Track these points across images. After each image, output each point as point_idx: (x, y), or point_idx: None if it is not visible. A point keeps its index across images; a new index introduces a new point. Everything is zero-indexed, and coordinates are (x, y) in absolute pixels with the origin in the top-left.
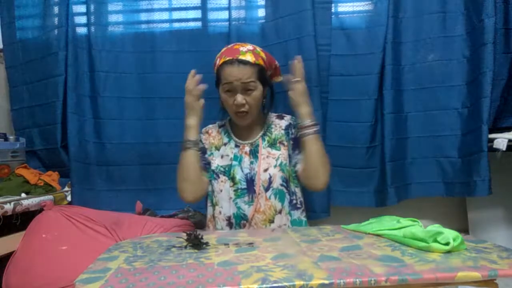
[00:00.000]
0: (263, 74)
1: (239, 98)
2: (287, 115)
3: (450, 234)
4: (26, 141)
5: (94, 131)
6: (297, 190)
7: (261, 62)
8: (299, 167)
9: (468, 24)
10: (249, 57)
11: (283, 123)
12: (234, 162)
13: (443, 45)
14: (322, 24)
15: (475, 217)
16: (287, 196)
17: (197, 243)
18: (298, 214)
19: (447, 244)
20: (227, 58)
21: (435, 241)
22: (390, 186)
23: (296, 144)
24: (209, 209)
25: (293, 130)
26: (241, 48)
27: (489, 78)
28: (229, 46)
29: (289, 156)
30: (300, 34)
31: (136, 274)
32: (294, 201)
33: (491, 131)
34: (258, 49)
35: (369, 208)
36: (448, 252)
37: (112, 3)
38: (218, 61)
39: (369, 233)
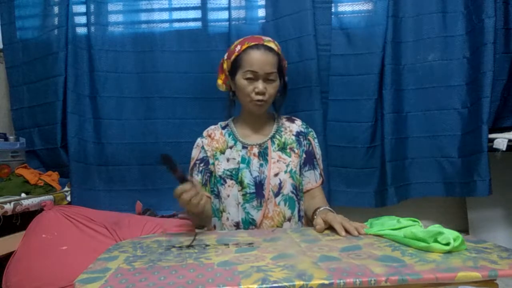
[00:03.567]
0: (281, 66)
1: (261, 85)
2: (297, 119)
3: (450, 234)
4: (26, 141)
5: (94, 131)
6: (302, 203)
7: (280, 53)
8: (306, 188)
9: (468, 24)
10: (273, 45)
11: (294, 127)
12: (241, 165)
13: (443, 45)
14: (322, 24)
15: (475, 217)
16: (297, 205)
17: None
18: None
19: (447, 244)
20: (252, 43)
21: (436, 241)
22: (390, 186)
23: (308, 158)
24: (212, 219)
25: (305, 141)
26: (264, 37)
27: (489, 78)
28: (247, 36)
29: (300, 166)
30: (300, 33)
31: (136, 274)
32: (300, 212)
33: (491, 131)
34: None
35: (369, 208)
36: (449, 252)
37: (112, 3)
38: (240, 47)
39: (369, 234)
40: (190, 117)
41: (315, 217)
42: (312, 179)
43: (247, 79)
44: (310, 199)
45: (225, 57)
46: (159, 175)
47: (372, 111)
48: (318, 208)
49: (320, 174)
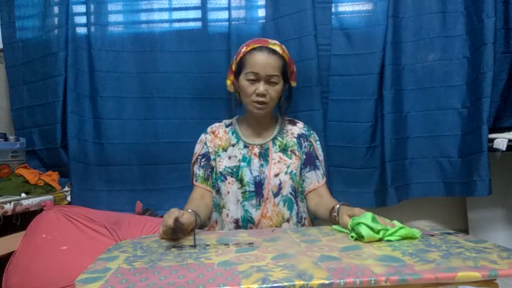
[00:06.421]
0: (286, 70)
1: (262, 87)
2: (299, 122)
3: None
4: (26, 141)
5: (94, 131)
6: (302, 205)
7: (286, 57)
8: (309, 189)
9: (468, 24)
10: (278, 48)
11: (296, 130)
12: (242, 164)
13: (443, 45)
14: (322, 24)
15: (475, 217)
16: (295, 207)
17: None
18: None
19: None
20: (256, 45)
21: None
22: (390, 186)
23: (308, 160)
24: (213, 214)
25: (306, 143)
26: (270, 40)
27: (489, 78)
28: (255, 39)
29: (300, 168)
30: (301, 33)
31: (136, 274)
32: (299, 214)
33: (491, 131)
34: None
35: (369, 208)
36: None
37: (112, 3)
38: (245, 49)
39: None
40: (190, 117)
41: (334, 215)
42: (314, 179)
43: (249, 80)
44: (316, 197)
45: (234, 58)
46: (159, 175)
47: (372, 111)
48: (334, 206)
49: (323, 174)
